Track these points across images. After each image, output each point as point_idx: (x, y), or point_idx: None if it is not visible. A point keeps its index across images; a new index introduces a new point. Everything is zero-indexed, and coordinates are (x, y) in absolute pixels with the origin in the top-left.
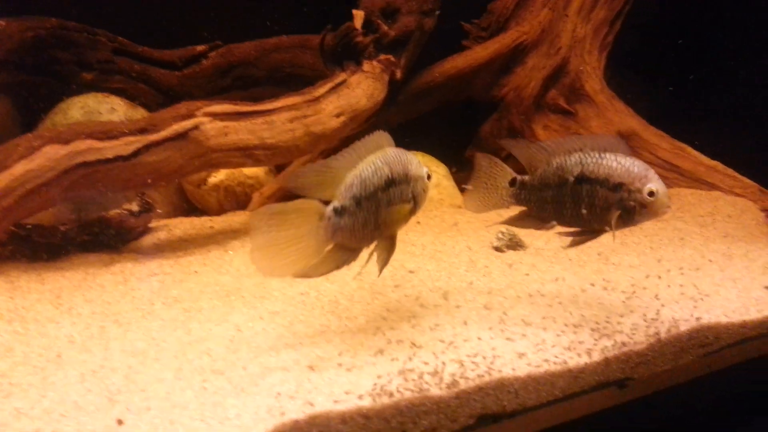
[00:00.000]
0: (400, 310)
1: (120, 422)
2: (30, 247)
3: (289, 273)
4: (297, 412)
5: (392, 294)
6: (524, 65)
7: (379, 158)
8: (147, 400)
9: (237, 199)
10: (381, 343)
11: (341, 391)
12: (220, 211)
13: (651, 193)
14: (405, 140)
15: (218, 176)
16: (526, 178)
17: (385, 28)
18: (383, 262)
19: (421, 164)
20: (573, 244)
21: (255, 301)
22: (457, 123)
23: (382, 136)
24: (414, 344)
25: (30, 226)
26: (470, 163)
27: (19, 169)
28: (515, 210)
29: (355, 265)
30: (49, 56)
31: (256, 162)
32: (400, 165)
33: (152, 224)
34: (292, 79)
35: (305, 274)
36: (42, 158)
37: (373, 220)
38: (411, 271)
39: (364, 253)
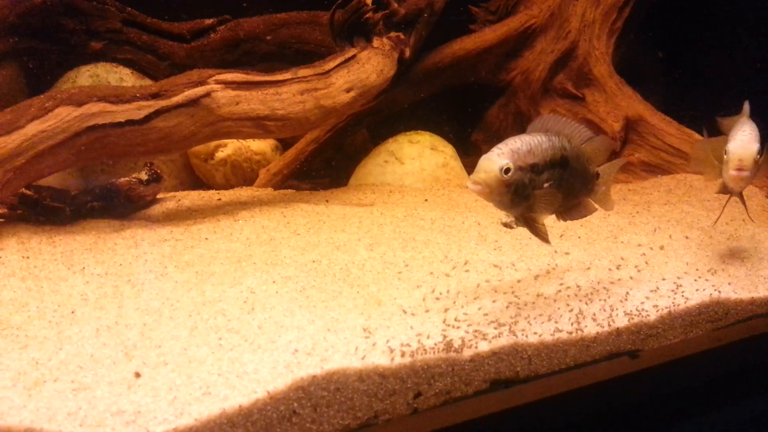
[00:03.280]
0: (411, 279)
1: (138, 375)
2: (41, 210)
3: None
4: (314, 367)
5: (403, 263)
6: (532, 49)
7: None
8: (163, 356)
9: (244, 174)
10: (393, 309)
11: (358, 350)
12: (226, 186)
13: None
14: (412, 121)
15: (225, 151)
16: None
17: (395, 5)
18: None
19: None
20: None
21: (267, 267)
22: (463, 106)
23: None
24: (427, 310)
25: (42, 189)
26: (476, 147)
27: (32, 129)
28: None
29: (366, 235)
30: (58, 23)
31: (267, 133)
32: None
33: (160, 195)
34: (300, 55)
35: None
36: (54, 119)
37: None
38: (421, 243)
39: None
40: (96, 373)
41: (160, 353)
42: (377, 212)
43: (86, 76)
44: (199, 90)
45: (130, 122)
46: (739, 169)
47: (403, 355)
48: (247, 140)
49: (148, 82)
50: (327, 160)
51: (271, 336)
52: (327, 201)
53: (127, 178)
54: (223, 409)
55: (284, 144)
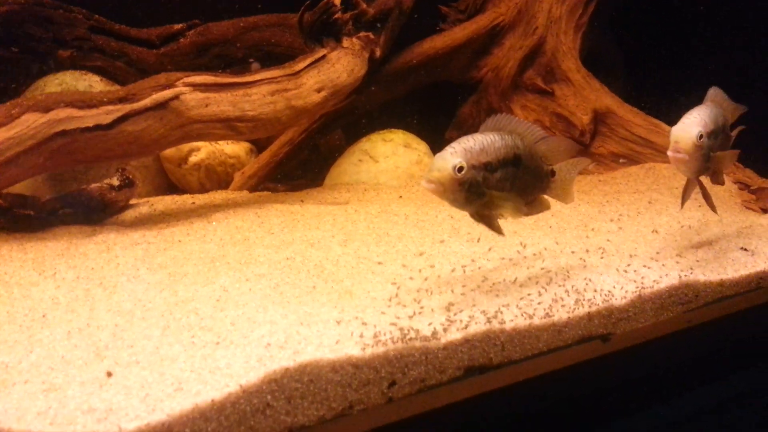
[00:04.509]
0: (384, 273)
1: (109, 374)
2: (10, 218)
3: None
4: (287, 360)
5: (376, 258)
6: (501, 46)
7: None
8: (135, 355)
9: (218, 178)
10: (367, 301)
11: (331, 342)
12: (201, 190)
13: None
14: (386, 121)
15: (199, 155)
16: None
17: (364, 5)
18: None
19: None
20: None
21: (240, 266)
22: (436, 105)
23: None
24: (400, 302)
25: (11, 196)
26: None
27: None
28: None
29: (340, 232)
30: (25, 32)
31: (238, 134)
32: None
33: (133, 201)
34: (271, 58)
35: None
36: (21, 126)
37: None
38: (395, 237)
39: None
40: (67, 373)
41: (131, 353)
42: (351, 210)
43: (54, 84)
44: (168, 93)
45: (98, 127)
46: (675, 151)
47: (376, 345)
48: (221, 144)
49: (117, 88)
50: (302, 162)
51: (244, 332)
52: (302, 201)
53: (98, 184)
54: (195, 404)
55: (258, 147)
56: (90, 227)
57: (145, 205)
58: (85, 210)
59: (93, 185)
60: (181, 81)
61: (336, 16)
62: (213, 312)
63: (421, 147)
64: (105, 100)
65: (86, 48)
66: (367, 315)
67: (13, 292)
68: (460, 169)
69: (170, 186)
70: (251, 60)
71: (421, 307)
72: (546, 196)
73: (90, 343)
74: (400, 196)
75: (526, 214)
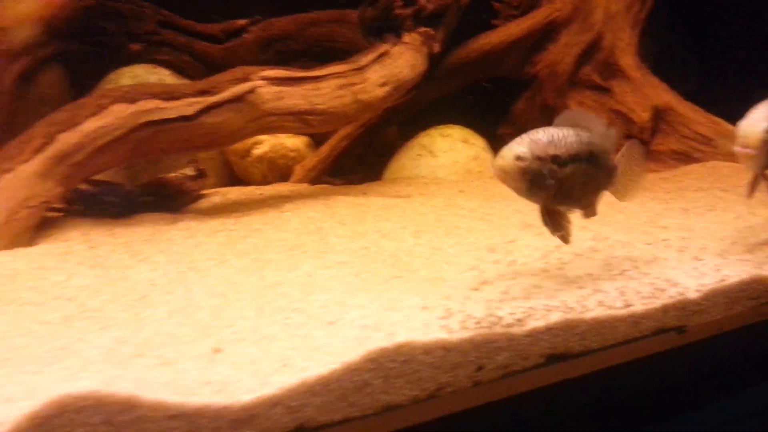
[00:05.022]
0: (459, 263)
1: (217, 350)
2: (96, 203)
3: None
4: (383, 341)
5: (450, 249)
6: (557, 42)
7: None
8: (237, 333)
9: (279, 171)
10: (447, 290)
11: (419, 326)
12: (263, 182)
13: None
14: (438, 117)
15: (262, 148)
16: None
17: (423, 1)
18: None
19: None
20: None
21: (319, 254)
22: (488, 101)
23: None
24: (479, 290)
25: (99, 183)
26: (503, 140)
27: (90, 125)
28: None
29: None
30: (99, 27)
31: (308, 127)
32: None
33: (203, 191)
34: (330, 53)
35: None
36: (111, 116)
37: None
38: (464, 230)
39: None
40: (177, 349)
41: (233, 331)
42: (417, 203)
43: (127, 76)
44: (245, 86)
45: (181, 118)
46: (743, 146)
47: (462, 330)
48: (282, 137)
49: (185, 81)
50: (358, 156)
51: (336, 314)
52: (365, 194)
53: (175, 174)
54: (303, 379)
55: (317, 140)
56: (170, 215)
57: (216, 196)
58: (164, 198)
59: (170, 175)
60: (257, 75)
61: (397, 11)
62: (302, 296)
63: (478, 142)
64: (187, 92)
65: (155, 42)
66: (451, 302)
67: (111, 274)
68: (522, 158)
69: (233, 177)
70: None
71: (504, 294)
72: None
73: (192, 321)
74: (461, 191)
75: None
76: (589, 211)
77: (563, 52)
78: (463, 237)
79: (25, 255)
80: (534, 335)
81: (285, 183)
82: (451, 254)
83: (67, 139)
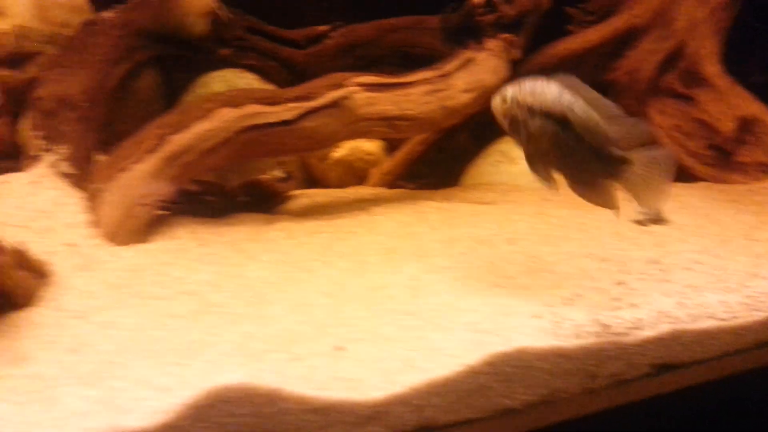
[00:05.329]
0: (559, 271)
1: (340, 348)
2: (198, 202)
3: None
4: (501, 345)
5: (548, 257)
6: (637, 49)
7: None
8: (354, 333)
9: (356, 174)
10: (551, 298)
11: (533, 332)
12: (339, 185)
13: None
14: None
15: (341, 151)
16: None
17: (505, 7)
18: None
19: None
20: None
21: (418, 258)
22: None
23: None
24: (585, 298)
25: (202, 183)
26: None
27: (198, 128)
28: None
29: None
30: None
31: (397, 132)
32: None
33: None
34: (409, 59)
35: None
36: (217, 120)
37: None
38: (559, 239)
39: None
40: (303, 345)
41: (350, 331)
42: (505, 210)
43: (217, 80)
44: (341, 92)
45: (282, 122)
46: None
47: (576, 338)
48: (359, 141)
49: (270, 86)
50: (430, 161)
51: (449, 317)
52: (447, 199)
53: (267, 176)
54: (428, 379)
55: (391, 145)
56: (264, 215)
57: (303, 197)
58: (258, 199)
59: (263, 176)
60: (352, 81)
61: (480, 18)
62: (410, 298)
63: None
64: (287, 97)
65: (243, 47)
66: (559, 310)
67: (225, 271)
68: (504, 100)
69: (309, 179)
70: None
71: (611, 303)
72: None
73: (310, 320)
74: (545, 199)
75: (587, 200)
76: (610, 203)
77: (644, 59)
78: (558, 245)
79: (144, 251)
80: (643, 345)
81: (363, 186)
82: (549, 262)
83: (177, 141)
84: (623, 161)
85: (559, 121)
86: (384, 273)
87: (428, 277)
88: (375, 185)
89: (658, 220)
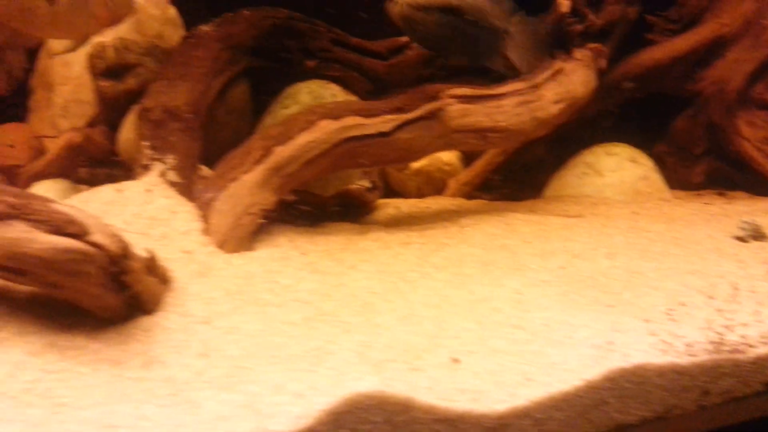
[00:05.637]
0: (664, 287)
1: (456, 360)
2: (293, 211)
3: None
4: (620, 361)
5: (650, 273)
6: (725, 58)
7: None
8: (466, 345)
9: (434, 184)
10: (659, 314)
11: (648, 348)
12: (417, 195)
13: None
14: (592, 132)
15: (421, 162)
16: None
17: (593, 17)
18: None
19: None
20: None
21: (517, 271)
22: (642, 117)
23: None
24: (695, 315)
25: (299, 192)
26: (659, 160)
27: (301, 140)
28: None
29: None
30: (282, 44)
31: (488, 144)
32: None
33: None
34: (488, 69)
35: None
36: (319, 131)
37: None
38: (657, 254)
39: None
40: (419, 356)
41: (461, 343)
42: (597, 223)
43: (304, 92)
44: (436, 104)
45: (380, 134)
46: None
47: (691, 354)
48: (439, 151)
49: (353, 97)
50: (504, 172)
51: (563, 332)
52: (533, 211)
53: (356, 186)
54: (548, 393)
55: (468, 156)
56: (355, 225)
57: (389, 207)
58: (348, 209)
59: (352, 186)
60: (446, 93)
61: (571, 27)
62: (516, 312)
63: (647, 162)
64: (384, 109)
65: (327, 59)
66: (670, 326)
67: (329, 280)
68: (395, 3)
69: (387, 189)
70: None
71: (721, 320)
72: None
73: (420, 330)
74: (635, 212)
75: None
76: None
77: (733, 68)
78: (659, 261)
79: (252, 258)
80: (758, 362)
81: (441, 196)
82: (653, 278)
83: (282, 152)
84: (506, 32)
85: (451, 11)
86: (485, 285)
87: (531, 290)
88: (453, 195)
89: (758, 236)
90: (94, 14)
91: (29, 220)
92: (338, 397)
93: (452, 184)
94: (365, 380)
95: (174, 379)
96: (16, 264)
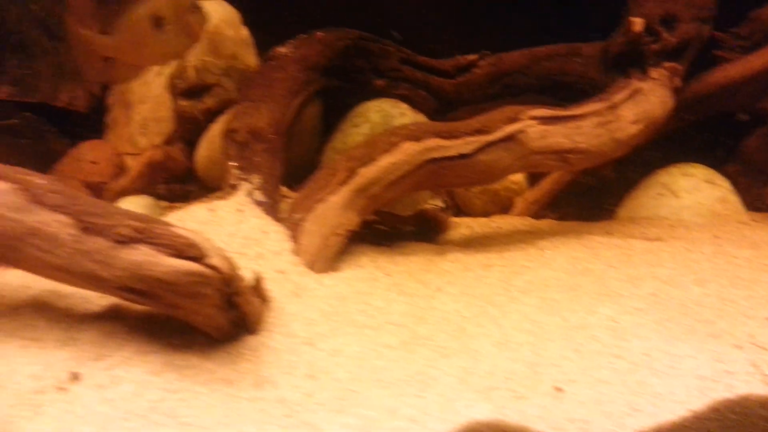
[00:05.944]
0: (759, 317)
1: (559, 389)
2: (372, 231)
3: None
4: (725, 392)
5: (743, 302)
6: None
7: None
8: (565, 374)
9: (501, 203)
10: (752, 344)
11: (750, 378)
12: (483, 213)
13: None
14: (661, 152)
15: None
16: None
17: (666, 35)
18: None
19: None
20: None
21: (606, 297)
22: (712, 137)
23: None
24: None
25: (380, 213)
26: (731, 180)
27: (384, 161)
28: None
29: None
30: (353, 64)
31: (567, 165)
32: None
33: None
34: (559, 87)
35: None
36: (401, 153)
37: None
38: (749, 281)
39: None
40: (521, 384)
41: (562, 371)
42: (681, 248)
43: (374, 111)
44: (516, 126)
45: (460, 156)
46: None
47: None
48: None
49: (421, 116)
50: (572, 191)
51: (665, 362)
52: (610, 233)
53: (430, 205)
54: (656, 423)
55: (533, 175)
56: (431, 246)
57: (461, 227)
58: (423, 228)
59: (427, 206)
60: (526, 114)
61: (647, 46)
62: (614, 341)
63: (724, 184)
64: (465, 131)
65: (396, 78)
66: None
67: (419, 303)
68: None
69: (452, 206)
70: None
71: None
72: None
73: (519, 357)
74: (716, 236)
75: None
76: None
77: None
78: (751, 289)
79: (341, 279)
80: None
81: (508, 215)
82: (746, 307)
83: (366, 174)
84: None
85: None
86: (577, 312)
87: (626, 318)
88: (519, 214)
89: None
90: (190, 34)
91: (153, 244)
92: (455, 423)
93: (519, 202)
94: (477, 407)
95: (286, 400)
96: (141, 286)
